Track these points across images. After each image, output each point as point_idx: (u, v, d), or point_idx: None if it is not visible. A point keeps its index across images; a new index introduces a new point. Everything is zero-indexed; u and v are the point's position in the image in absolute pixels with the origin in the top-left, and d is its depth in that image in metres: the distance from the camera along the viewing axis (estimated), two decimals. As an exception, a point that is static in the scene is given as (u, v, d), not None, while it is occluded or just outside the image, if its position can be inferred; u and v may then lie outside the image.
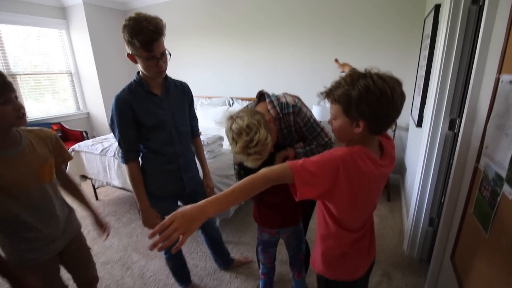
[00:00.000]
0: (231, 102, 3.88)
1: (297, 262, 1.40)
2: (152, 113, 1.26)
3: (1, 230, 0.96)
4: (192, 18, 3.88)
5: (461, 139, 1.14)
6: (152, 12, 1.11)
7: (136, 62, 1.16)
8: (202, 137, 2.38)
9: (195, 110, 3.31)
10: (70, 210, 1.18)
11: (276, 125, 1.11)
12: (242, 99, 3.78)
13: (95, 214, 1.27)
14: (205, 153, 2.31)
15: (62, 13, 4.06)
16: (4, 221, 0.94)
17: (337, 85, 0.76)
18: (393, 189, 2.97)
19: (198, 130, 1.58)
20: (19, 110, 0.89)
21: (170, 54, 1.19)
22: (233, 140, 0.94)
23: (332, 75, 3.29)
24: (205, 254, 2.06)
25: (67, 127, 3.99)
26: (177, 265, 1.67)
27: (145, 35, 1.03)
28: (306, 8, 3.10)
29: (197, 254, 2.08)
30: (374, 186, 0.82)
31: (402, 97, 0.73)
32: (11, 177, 0.90)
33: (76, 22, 4.01)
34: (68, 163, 2.17)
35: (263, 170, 0.72)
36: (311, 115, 1.17)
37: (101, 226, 1.28)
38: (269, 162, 0.95)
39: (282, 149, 1.16)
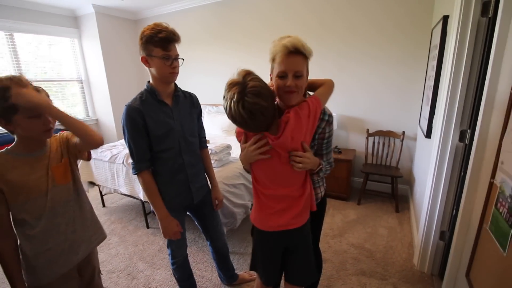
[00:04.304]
0: (237, 110, 3.90)
1: None
2: (162, 123, 1.27)
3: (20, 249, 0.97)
4: (201, 26, 3.95)
5: (474, 153, 1.12)
6: (162, 20, 1.19)
7: (149, 66, 1.20)
8: (210, 146, 2.39)
9: (202, 117, 3.34)
10: (93, 221, 1.17)
11: None
12: (249, 108, 3.80)
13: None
14: (213, 162, 2.32)
15: (75, 22, 4.17)
16: (20, 226, 0.95)
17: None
18: (402, 199, 2.93)
19: (206, 141, 1.58)
20: (47, 125, 0.95)
21: (183, 60, 1.24)
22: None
23: (339, 85, 3.27)
24: (211, 265, 2.04)
25: (76, 133, 4.04)
26: (184, 275, 1.64)
27: (165, 33, 1.13)
28: (314, 17, 3.14)
29: (203, 265, 2.06)
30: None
31: (235, 123, 0.93)
32: (33, 178, 0.95)
33: (88, 31, 4.12)
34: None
35: None
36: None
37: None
38: None
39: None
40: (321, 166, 1.08)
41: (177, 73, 1.24)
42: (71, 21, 4.13)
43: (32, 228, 0.96)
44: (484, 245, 0.92)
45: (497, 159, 0.88)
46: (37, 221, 0.96)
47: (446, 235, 1.73)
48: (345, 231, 2.42)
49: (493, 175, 0.90)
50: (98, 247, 2.35)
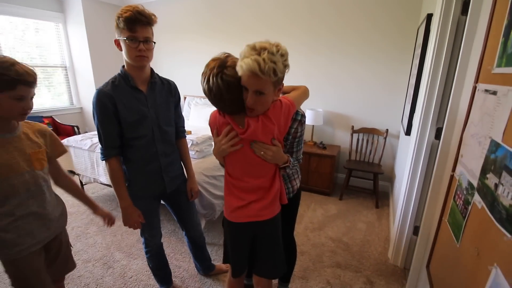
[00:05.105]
0: (225, 103, 3.87)
1: None
2: (135, 110, 1.23)
3: None
4: (190, 16, 3.88)
5: (441, 147, 1.13)
6: (150, 9, 1.15)
7: (121, 49, 1.16)
8: (191, 137, 2.37)
9: (189, 109, 3.29)
10: (60, 204, 1.21)
11: None
12: (237, 101, 3.77)
13: (94, 206, 1.31)
14: (193, 153, 2.30)
15: (60, 6, 4.04)
16: None
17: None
18: (382, 196, 2.97)
19: (184, 131, 1.54)
20: (26, 110, 0.96)
21: (154, 43, 1.19)
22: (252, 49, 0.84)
23: (328, 82, 3.26)
24: (189, 255, 2.03)
25: (59, 121, 3.94)
26: (159, 265, 1.63)
27: (130, 13, 1.08)
28: (301, 23, 3.13)
29: (181, 255, 2.05)
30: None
31: (211, 96, 0.92)
32: (4, 159, 0.95)
33: (73, 16, 3.99)
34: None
35: None
36: None
37: (103, 216, 1.33)
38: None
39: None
40: (288, 164, 1.09)
41: (147, 57, 1.18)
42: (56, 4, 4.00)
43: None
44: (442, 237, 0.94)
45: (458, 152, 0.89)
46: (5, 199, 0.97)
47: (419, 230, 1.76)
48: (324, 225, 2.45)
49: (453, 168, 0.91)
50: (75, 237, 2.33)
